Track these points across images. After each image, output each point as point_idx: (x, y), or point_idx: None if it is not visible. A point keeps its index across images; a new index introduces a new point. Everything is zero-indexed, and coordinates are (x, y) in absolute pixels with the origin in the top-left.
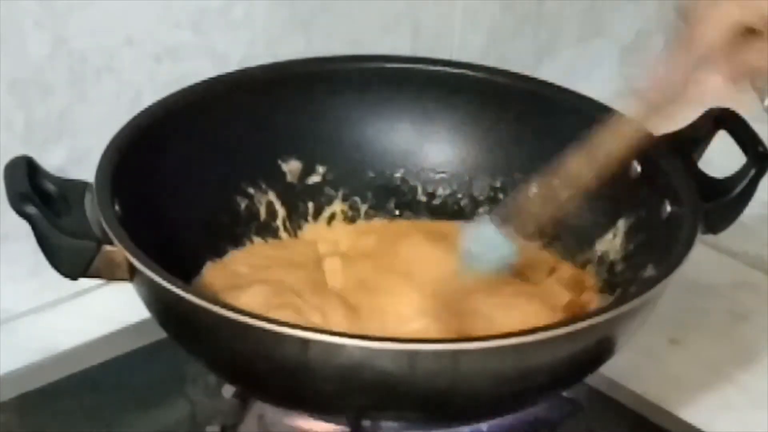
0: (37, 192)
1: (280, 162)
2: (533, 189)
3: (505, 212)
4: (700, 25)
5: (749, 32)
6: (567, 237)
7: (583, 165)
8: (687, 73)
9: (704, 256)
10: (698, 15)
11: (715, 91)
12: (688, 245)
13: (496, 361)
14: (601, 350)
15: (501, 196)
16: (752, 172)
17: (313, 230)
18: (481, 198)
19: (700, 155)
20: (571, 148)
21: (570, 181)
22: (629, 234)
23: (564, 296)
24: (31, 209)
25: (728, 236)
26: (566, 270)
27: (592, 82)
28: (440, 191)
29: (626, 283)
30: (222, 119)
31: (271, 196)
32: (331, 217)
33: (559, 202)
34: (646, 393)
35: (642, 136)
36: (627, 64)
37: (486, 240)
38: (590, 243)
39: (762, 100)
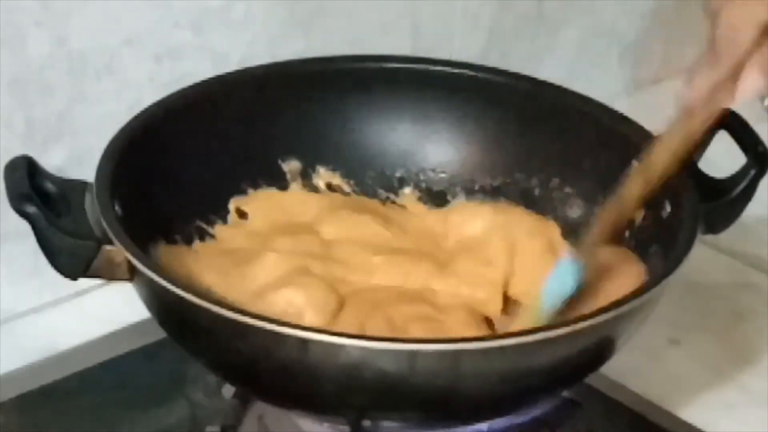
0: (37, 192)
1: (280, 162)
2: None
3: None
4: (728, 30)
5: None
6: (566, 238)
7: (639, 184)
8: (724, 80)
9: (704, 256)
10: (725, 20)
11: (755, 90)
12: (688, 245)
13: (496, 361)
14: (601, 350)
15: (501, 196)
16: (752, 172)
17: None
18: (481, 198)
19: (700, 155)
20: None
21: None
22: (629, 234)
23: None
24: (31, 209)
25: (728, 236)
26: None
27: (592, 82)
28: (440, 191)
29: None
30: (222, 119)
31: None
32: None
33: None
34: (646, 393)
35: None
36: (627, 64)
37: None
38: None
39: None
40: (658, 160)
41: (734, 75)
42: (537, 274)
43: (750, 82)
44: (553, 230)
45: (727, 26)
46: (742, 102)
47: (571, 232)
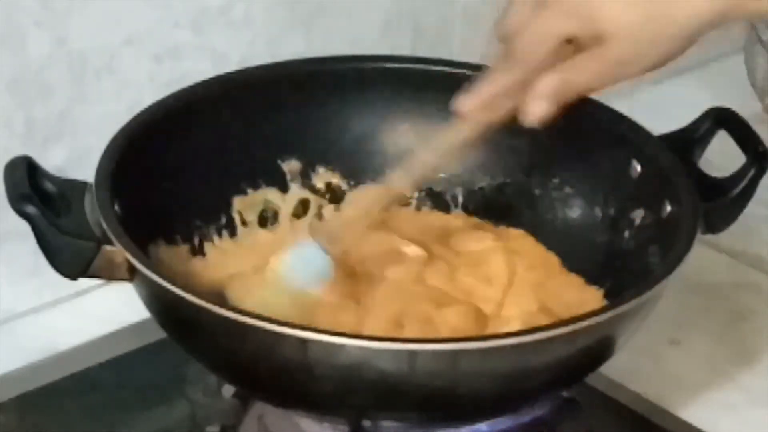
0: (37, 192)
1: (280, 162)
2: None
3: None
4: (521, 39)
5: (574, 45)
6: (566, 239)
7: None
8: (511, 91)
9: (704, 256)
10: (519, 28)
11: (538, 114)
12: (688, 245)
13: (496, 361)
14: (601, 350)
15: (501, 196)
16: (752, 172)
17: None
18: (481, 198)
19: (700, 155)
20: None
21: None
22: (629, 234)
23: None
24: (31, 209)
25: (728, 236)
26: None
27: None
28: (440, 191)
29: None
30: (222, 119)
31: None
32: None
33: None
34: (646, 393)
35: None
36: None
37: (305, 258)
38: (589, 243)
39: (762, 100)
40: (426, 160)
41: (519, 89)
42: (526, 304)
43: (533, 106)
44: (553, 262)
45: (529, 39)
46: (526, 124)
47: (570, 235)
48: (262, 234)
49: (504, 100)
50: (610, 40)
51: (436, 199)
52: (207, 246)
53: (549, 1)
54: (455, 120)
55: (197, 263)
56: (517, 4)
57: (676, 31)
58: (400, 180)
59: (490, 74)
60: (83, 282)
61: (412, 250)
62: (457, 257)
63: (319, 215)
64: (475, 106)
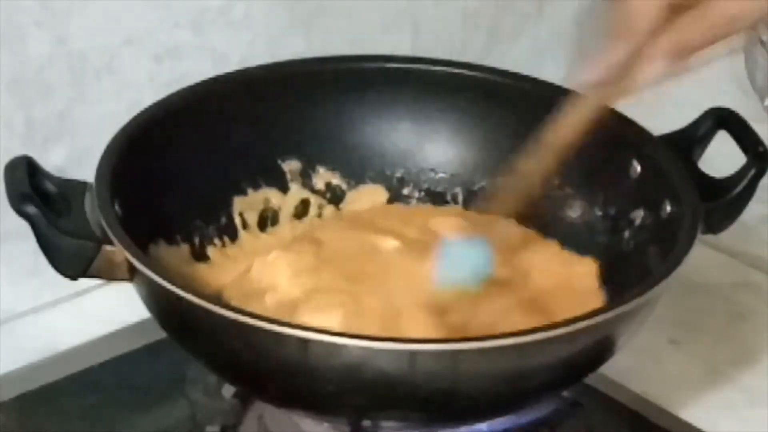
0: (37, 192)
1: (280, 162)
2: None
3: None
4: (629, 11)
5: (680, 6)
6: (566, 239)
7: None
8: (625, 59)
9: (704, 256)
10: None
11: (656, 74)
12: (688, 245)
13: (496, 361)
14: (601, 350)
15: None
16: (752, 172)
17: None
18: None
19: (700, 155)
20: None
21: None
22: (629, 234)
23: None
24: (31, 209)
25: (728, 236)
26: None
27: None
28: (440, 192)
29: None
30: (222, 119)
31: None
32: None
33: (533, 180)
34: (646, 393)
35: (601, 109)
36: None
37: (461, 255)
38: (589, 244)
39: (762, 100)
40: (553, 140)
41: (636, 58)
42: None
43: (651, 66)
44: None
45: (629, 7)
46: (643, 87)
47: (570, 235)
48: (264, 238)
49: (619, 71)
50: None
51: (436, 199)
52: (208, 249)
53: None
54: (573, 98)
55: (198, 269)
56: None
57: None
58: (531, 163)
59: (606, 45)
60: (83, 282)
61: (387, 242)
62: (434, 239)
63: (320, 215)
64: (599, 76)
